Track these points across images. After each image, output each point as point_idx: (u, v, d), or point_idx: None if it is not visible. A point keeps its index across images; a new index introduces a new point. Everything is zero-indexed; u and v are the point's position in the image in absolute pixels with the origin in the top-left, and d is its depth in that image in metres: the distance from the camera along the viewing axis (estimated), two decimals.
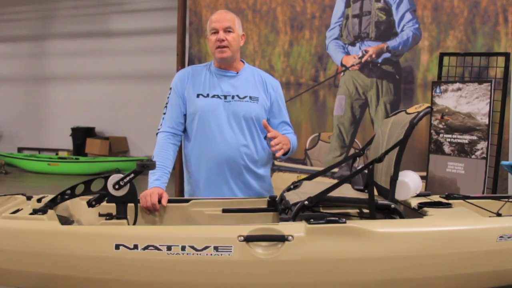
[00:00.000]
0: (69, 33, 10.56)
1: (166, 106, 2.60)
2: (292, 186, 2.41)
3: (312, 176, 2.58)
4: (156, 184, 2.37)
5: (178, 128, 2.57)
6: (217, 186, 2.53)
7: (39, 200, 2.15)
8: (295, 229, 1.76)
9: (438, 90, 4.18)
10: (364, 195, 2.18)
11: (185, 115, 2.57)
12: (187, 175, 2.65)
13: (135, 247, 1.72)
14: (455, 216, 1.94)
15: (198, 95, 2.53)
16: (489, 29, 4.40)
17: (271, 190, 2.64)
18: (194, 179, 2.59)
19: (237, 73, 2.59)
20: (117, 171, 2.05)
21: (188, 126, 2.58)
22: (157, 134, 2.57)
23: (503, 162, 3.71)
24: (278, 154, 2.39)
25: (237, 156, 2.50)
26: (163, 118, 2.59)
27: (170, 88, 2.62)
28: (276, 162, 2.73)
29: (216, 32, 2.49)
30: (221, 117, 2.49)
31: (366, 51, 4.78)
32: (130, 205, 2.09)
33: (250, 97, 2.55)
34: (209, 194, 2.51)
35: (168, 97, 2.61)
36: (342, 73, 4.87)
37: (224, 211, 2.35)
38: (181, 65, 5.14)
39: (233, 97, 2.52)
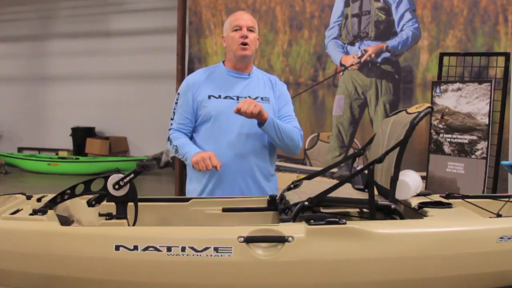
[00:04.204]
0: (69, 33, 10.56)
1: (174, 112, 2.62)
2: (292, 186, 2.41)
3: (311, 176, 2.58)
4: (198, 150, 2.46)
5: (188, 129, 2.60)
6: (226, 185, 2.53)
7: (39, 200, 2.14)
8: (295, 230, 1.76)
9: (438, 90, 4.18)
10: (364, 195, 2.17)
11: (195, 118, 2.59)
12: (196, 174, 2.62)
13: (135, 248, 1.71)
14: (455, 216, 1.94)
15: (209, 97, 2.54)
16: (489, 28, 4.40)
17: (276, 191, 2.64)
18: (203, 178, 2.58)
19: (249, 75, 2.62)
20: (117, 171, 2.05)
21: (200, 127, 2.58)
22: (168, 138, 2.60)
23: (503, 162, 3.71)
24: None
25: (248, 155, 2.52)
26: (171, 124, 2.62)
27: (178, 94, 2.64)
28: (276, 162, 2.73)
29: (239, 29, 2.52)
30: (233, 118, 2.49)
31: (366, 51, 4.78)
32: (130, 205, 2.09)
33: (262, 98, 2.57)
34: (218, 193, 2.52)
35: (176, 103, 2.63)
36: (341, 73, 4.87)
37: (224, 210, 2.34)
38: (181, 65, 5.13)
39: (245, 97, 2.54)
